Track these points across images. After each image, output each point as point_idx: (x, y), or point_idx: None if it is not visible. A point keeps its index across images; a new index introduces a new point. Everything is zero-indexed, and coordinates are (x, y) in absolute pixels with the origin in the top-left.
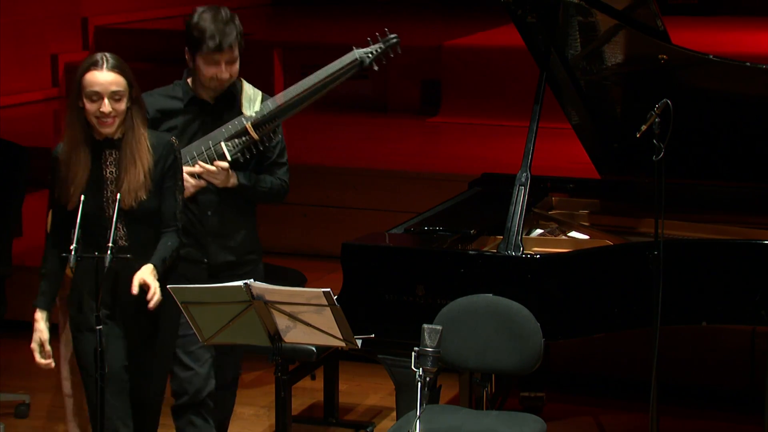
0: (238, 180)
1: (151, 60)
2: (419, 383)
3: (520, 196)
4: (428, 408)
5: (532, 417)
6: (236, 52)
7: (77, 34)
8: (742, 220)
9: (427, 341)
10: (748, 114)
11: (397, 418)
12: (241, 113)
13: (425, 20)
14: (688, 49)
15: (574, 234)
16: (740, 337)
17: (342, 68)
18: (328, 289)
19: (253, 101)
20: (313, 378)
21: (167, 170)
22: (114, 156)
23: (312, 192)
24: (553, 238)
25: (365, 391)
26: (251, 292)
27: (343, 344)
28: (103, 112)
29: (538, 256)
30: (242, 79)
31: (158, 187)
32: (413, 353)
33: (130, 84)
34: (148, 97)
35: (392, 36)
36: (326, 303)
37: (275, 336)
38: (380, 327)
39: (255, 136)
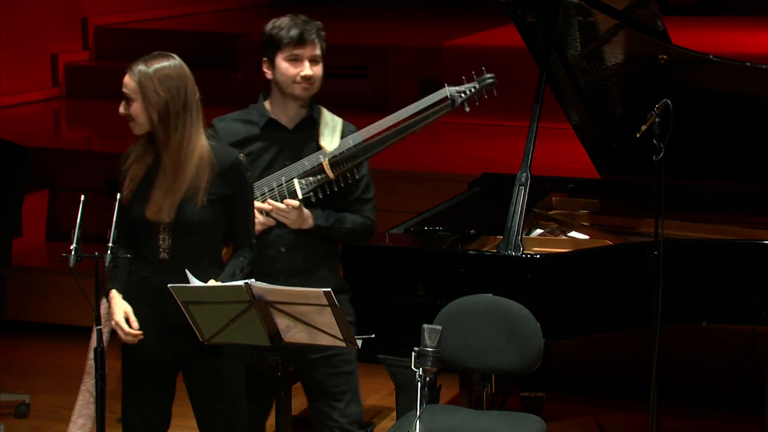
0: (314, 221)
1: None
2: (419, 383)
3: (520, 196)
4: (428, 408)
5: (532, 417)
6: (318, 51)
7: (77, 34)
8: (742, 220)
9: (427, 341)
10: (748, 114)
11: (397, 418)
12: (319, 142)
13: (425, 20)
14: (688, 49)
15: (574, 234)
16: (740, 337)
17: (432, 106)
18: (329, 289)
19: (333, 130)
20: None
21: (234, 187)
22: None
23: None
24: (553, 238)
25: (365, 391)
26: (251, 292)
27: (343, 344)
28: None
29: (538, 256)
30: (321, 107)
31: (219, 203)
32: (413, 353)
33: (145, 93)
34: (219, 122)
35: (488, 76)
36: (326, 303)
37: (275, 336)
38: (380, 327)
39: (331, 175)
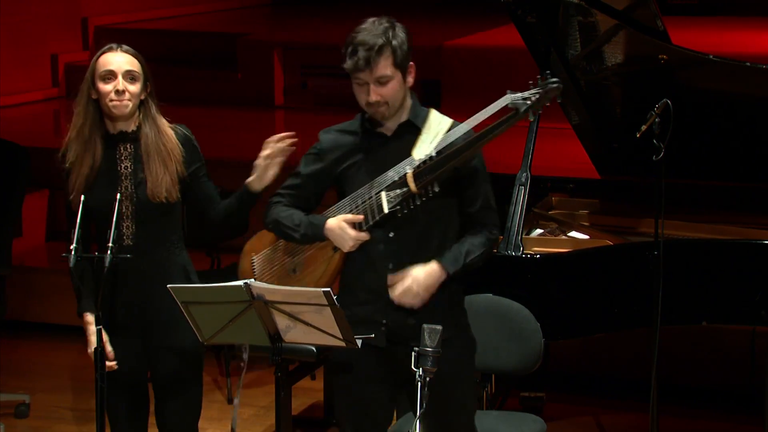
0: (445, 270)
1: (151, 60)
2: (419, 383)
3: (520, 196)
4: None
5: (532, 417)
6: (387, 71)
7: (77, 34)
8: (742, 220)
9: (427, 341)
10: (748, 114)
11: (397, 418)
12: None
13: (425, 20)
14: (688, 49)
15: (574, 234)
16: (740, 337)
17: (499, 116)
18: (329, 289)
19: (433, 136)
20: (313, 378)
21: (192, 161)
22: (129, 150)
23: None
24: (553, 238)
25: None
26: (251, 292)
27: (343, 344)
28: (118, 90)
29: (538, 256)
30: (431, 110)
31: (180, 181)
32: (413, 353)
33: (144, 71)
34: (324, 134)
35: (552, 81)
36: (326, 303)
37: (275, 336)
38: None
39: (413, 187)
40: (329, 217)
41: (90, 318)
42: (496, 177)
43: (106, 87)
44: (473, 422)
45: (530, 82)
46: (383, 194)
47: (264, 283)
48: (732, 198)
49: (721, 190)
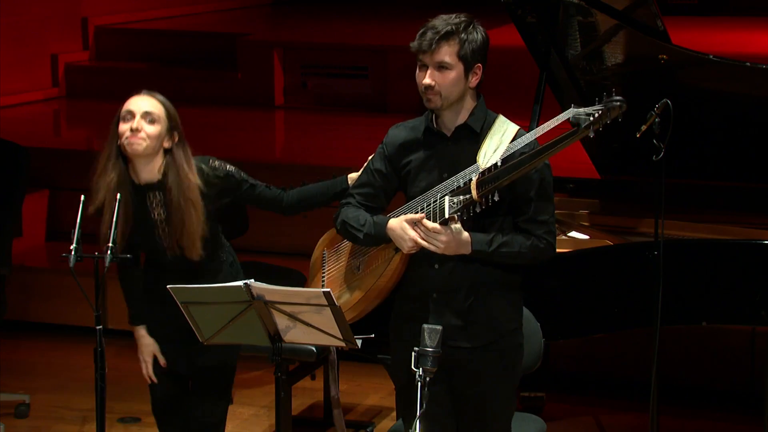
0: (473, 246)
1: (151, 60)
2: (419, 383)
3: None
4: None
5: (532, 417)
6: (448, 58)
7: (77, 34)
8: (742, 220)
9: (427, 341)
10: (748, 114)
11: (397, 418)
12: (480, 145)
13: (425, 20)
14: (688, 49)
15: (574, 234)
16: (740, 337)
17: (559, 131)
18: (328, 290)
19: (498, 143)
20: (313, 378)
21: (227, 194)
22: (159, 198)
23: None
24: None
25: (365, 391)
26: (251, 292)
27: (343, 344)
28: (132, 128)
29: None
30: (498, 115)
31: (215, 213)
32: (413, 353)
33: (170, 118)
34: (392, 130)
35: (615, 99)
36: (326, 303)
37: (275, 336)
38: (380, 327)
39: (475, 195)
40: (393, 217)
41: (142, 331)
42: None
43: (124, 126)
44: (509, 429)
45: (596, 98)
46: (446, 199)
47: (264, 284)
48: (732, 198)
49: (721, 190)
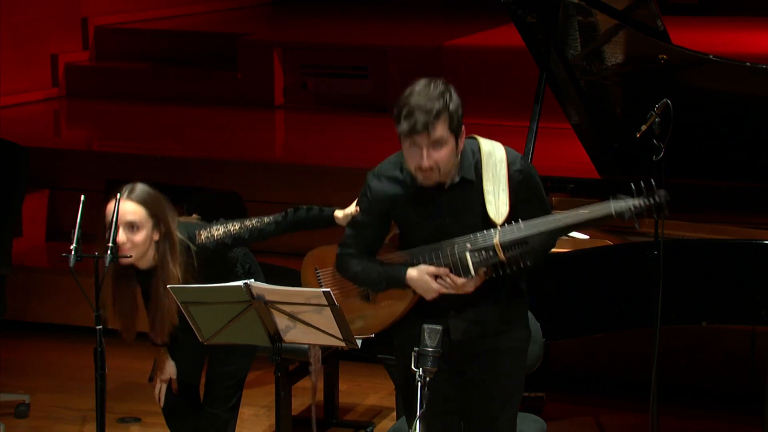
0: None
1: (151, 60)
2: (419, 383)
3: None
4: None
5: (532, 417)
6: (443, 134)
7: (77, 34)
8: (742, 220)
9: (427, 341)
10: (748, 114)
11: (397, 418)
12: (482, 190)
13: (425, 20)
14: (688, 49)
15: (574, 234)
16: (740, 337)
17: (598, 217)
18: (328, 290)
19: (499, 180)
20: None
21: (216, 267)
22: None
23: (312, 192)
24: None
25: (365, 391)
26: (251, 292)
27: (343, 344)
28: (118, 243)
29: None
30: (479, 141)
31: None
32: (413, 353)
33: (154, 214)
34: (374, 181)
35: (661, 194)
36: (326, 303)
37: (275, 336)
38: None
39: (502, 257)
40: (408, 267)
41: (167, 354)
42: None
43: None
44: (515, 418)
45: (632, 185)
46: (468, 255)
47: (264, 284)
48: (732, 198)
49: (721, 190)
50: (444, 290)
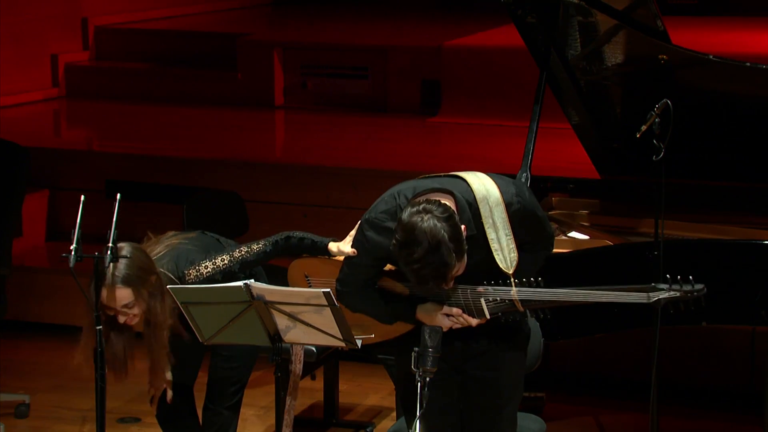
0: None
1: (151, 60)
2: (419, 383)
3: None
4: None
5: (532, 417)
6: (457, 269)
7: (77, 34)
8: (742, 220)
9: (427, 341)
10: (748, 114)
11: (397, 418)
12: (486, 241)
13: (425, 20)
14: (688, 49)
15: (574, 234)
16: (740, 337)
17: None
18: (328, 290)
19: (497, 224)
20: (313, 378)
21: None
22: None
23: (312, 192)
24: None
25: (365, 391)
26: (251, 292)
27: (343, 344)
28: (121, 320)
29: None
30: (468, 179)
31: None
32: (413, 353)
33: (141, 290)
34: (372, 234)
35: (698, 287)
36: (326, 303)
37: (275, 336)
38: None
39: (521, 308)
40: (417, 304)
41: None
42: None
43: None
44: (516, 418)
45: (668, 276)
46: (483, 303)
47: (264, 284)
48: (732, 198)
49: (721, 190)
50: (455, 327)
